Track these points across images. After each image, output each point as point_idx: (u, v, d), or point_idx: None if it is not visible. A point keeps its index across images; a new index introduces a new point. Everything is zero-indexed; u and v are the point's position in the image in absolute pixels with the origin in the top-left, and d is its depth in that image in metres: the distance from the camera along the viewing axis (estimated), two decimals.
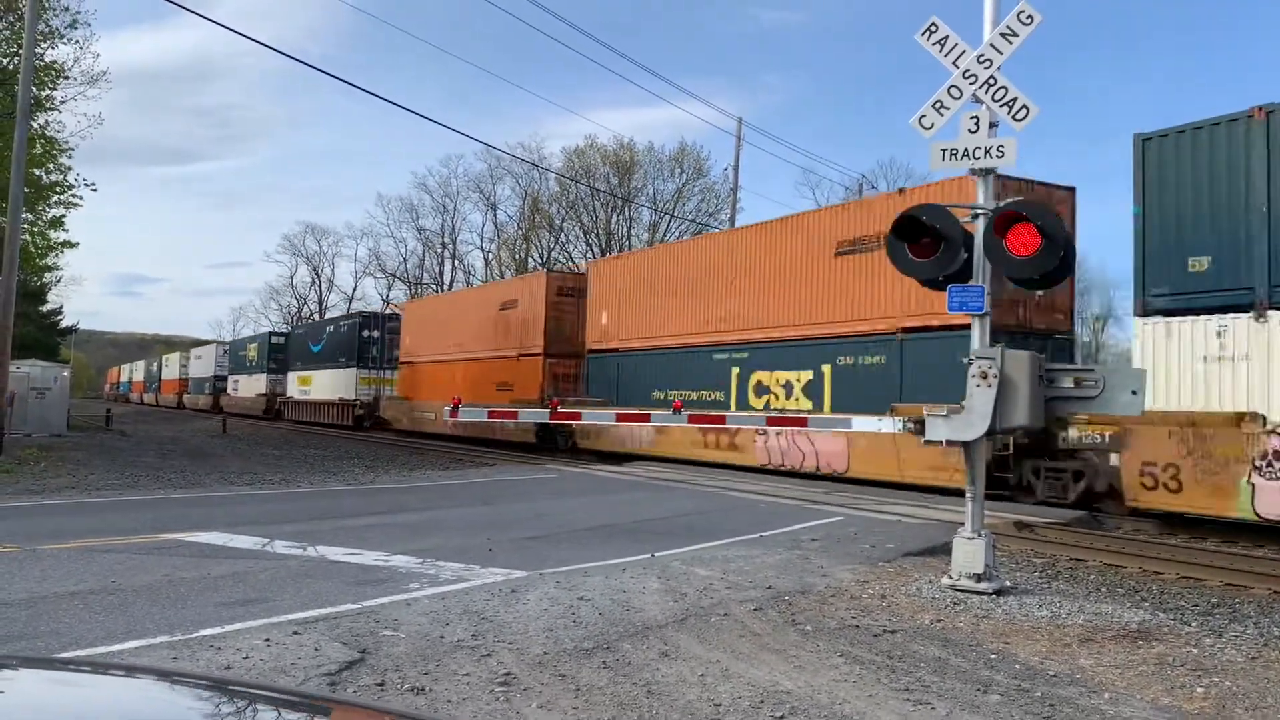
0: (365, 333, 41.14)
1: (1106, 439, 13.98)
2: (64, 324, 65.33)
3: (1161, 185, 13.30)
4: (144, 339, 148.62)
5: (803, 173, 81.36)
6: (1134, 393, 7.87)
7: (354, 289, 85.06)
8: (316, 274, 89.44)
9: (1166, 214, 13.24)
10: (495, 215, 70.96)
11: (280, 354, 54.32)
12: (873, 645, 6.41)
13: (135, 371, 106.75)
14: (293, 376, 50.21)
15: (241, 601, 7.03)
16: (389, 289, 78.90)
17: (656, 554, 9.79)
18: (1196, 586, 9.43)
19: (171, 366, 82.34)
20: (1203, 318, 12.77)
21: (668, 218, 59.98)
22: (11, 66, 25.05)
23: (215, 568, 8.31)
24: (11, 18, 25.77)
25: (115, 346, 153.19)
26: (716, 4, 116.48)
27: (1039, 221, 7.76)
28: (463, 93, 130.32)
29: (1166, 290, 13.21)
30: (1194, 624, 7.47)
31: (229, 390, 63.07)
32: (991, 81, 8.29)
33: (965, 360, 8.11)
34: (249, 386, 57.99)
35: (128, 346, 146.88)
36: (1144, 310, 13.39)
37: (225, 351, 67.84)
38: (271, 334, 60.29)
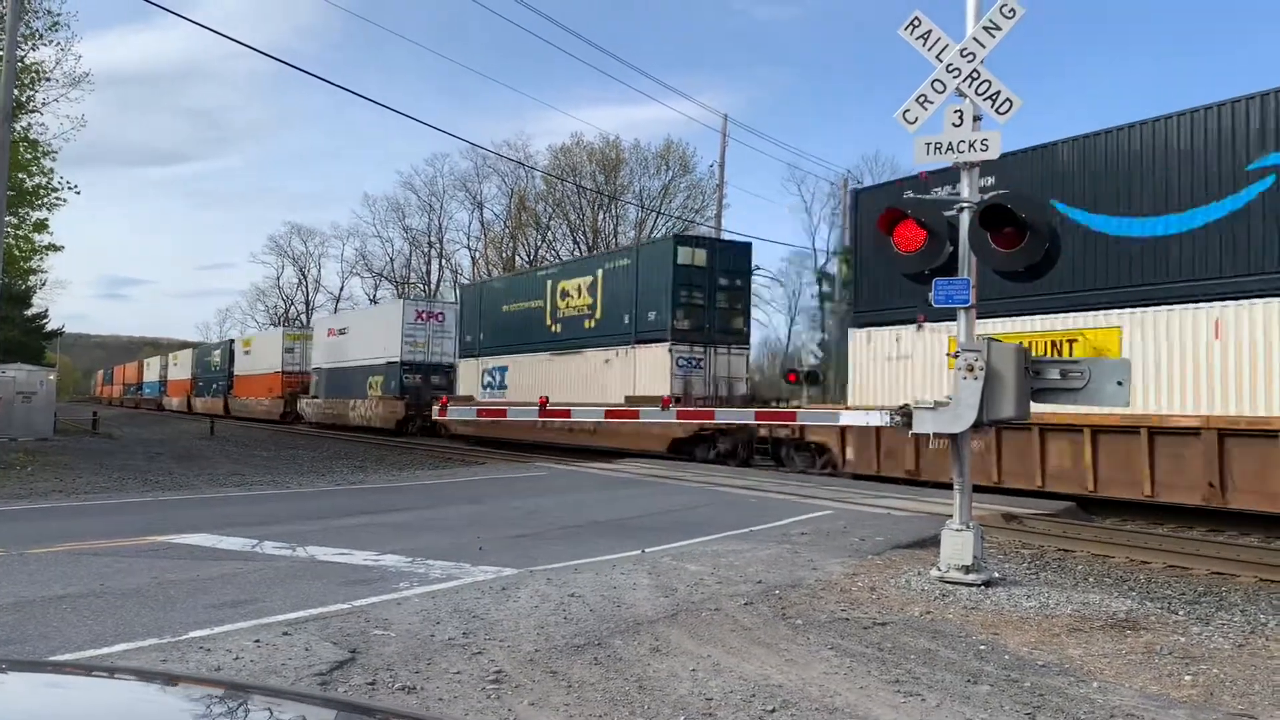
0: None
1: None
2: (50, 327, 62.10)
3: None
4: (130, 341, 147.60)
5: (788, 168, 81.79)
6: (1119, 383, 7.92)
7: (340, 289, 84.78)
8: (303, 275, 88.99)
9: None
10: (482, 214, 70.89)
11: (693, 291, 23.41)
12: (863, 638, 6.43)
13: (173, 366, 75.61)
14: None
15: (231, 603, 7.01)
16: (375, 289, 78.66)
17: (646, 550, 9.79)
18: (1184, 575, 9.49)
19: (263, 353, 52.78)
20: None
21: (654, 214, 60.02)
22: None
23: (204, 569, 8.28)
24: None
25: (102, 349, 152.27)
26: (707, 1, 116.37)
27: (1024, 214, 7.80)
28: (448, 91, 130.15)
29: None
30: (1181, 612, 7.52)
31: (478, 386, 31.61)
32: (975, 75, 8.32)
33: (951, 353, 8.15)
34: (594, 375, 25.94)
35: (114, 349, 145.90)
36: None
37: (428, 314, 37.17)
38: (681, 240, 25.57)
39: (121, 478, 17.62)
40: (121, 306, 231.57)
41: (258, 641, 5.84)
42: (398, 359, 36.28)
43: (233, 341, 62.22)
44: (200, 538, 10.10)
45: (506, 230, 68.15)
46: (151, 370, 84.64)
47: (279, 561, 8.80)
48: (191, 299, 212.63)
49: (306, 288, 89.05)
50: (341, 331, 43.12)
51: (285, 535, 10.35)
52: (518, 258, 65.11)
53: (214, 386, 62.29)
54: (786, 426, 19.80)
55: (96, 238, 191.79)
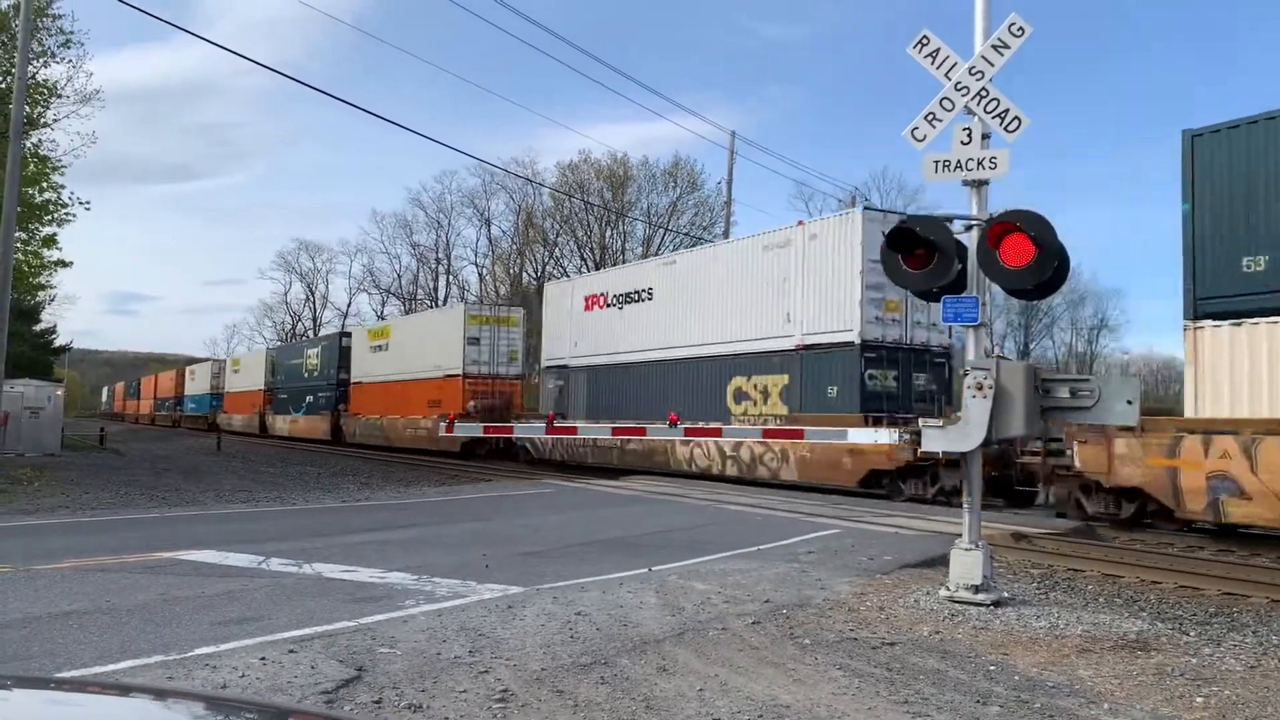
0: None
1: None
2: (58, 343, 62.25)
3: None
4: (138, 357, 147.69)
5: (796, 185, 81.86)
6: (1129, 402, 7.88)
7: (348, 305, 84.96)
8: (311, 291, 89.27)
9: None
10: (489, 230, 71.21)
11: None
12: (871, 658, 6.39)
13: (234, 374, 60.13)
14: None
15: (237, 620, 6.99)
16: (383, 305, 78.90)
17: (653, 568, 9.76)
18: (1194, 596, 9.42)
19: (417, 347, 35.44)
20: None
21: (662, 231, 60.13)
22: (4, 85, 25.06)
23: (210, 586, 8.27)
24: (4, 37, 25.77)
25: (109, 365, 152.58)
26: (716, 19, 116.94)
27: (1032, 232, 7.78)
28: (457, 108, 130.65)
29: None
30: (1192, 633, 7.46)
31: None
32: (983, 93, 8.32)
33: (961, 371, 8.12)
34: None
35: (121, 365, 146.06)
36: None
37: None
38: None
39: (128, 493, 17.63)
40: (129, 322, 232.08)
41: (263, 659, 5.82)
42: (853, 337, 19.45)
43: (346, 334, 45.66)
44: (206, 554, 10.09)
45: (514, 247, 68.41)
46: (198, 379, 68.39)
47: (285, 578, 8.78)
48: (199, 315, 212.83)
49: (314, 304, 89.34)
50: (632, 297, 25.70)
51: (291, 552, 10.33)
52: (525, 274, 65.30)
53: (311, 400, 44.92)
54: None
55: (105, 254, 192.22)
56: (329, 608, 7.47)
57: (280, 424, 49.31)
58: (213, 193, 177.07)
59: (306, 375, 46.67)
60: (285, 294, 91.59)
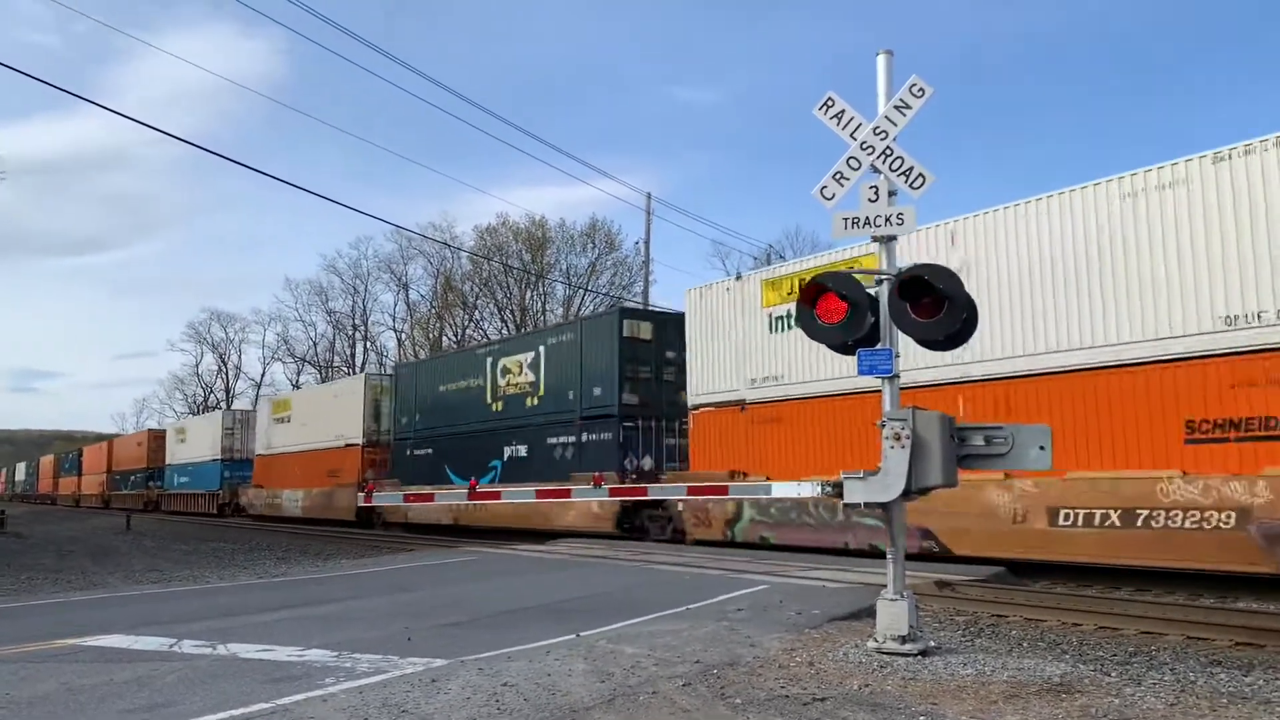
0: None
1: None
2: None
3: None
4: (42, 435, 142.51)
5: (713, 244, 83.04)
6: (1041, 448, 8.06)
7: (262, 375, 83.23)
8: (223, 361, 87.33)
9: None
10: (407, 295, 70.74)
11: None
12: (802, 714, 6.35)
13: (281, 423, 38.25)
14: None
15: (146, 708, 6.68)
16: (299, 374, 77.54)
17: (582, 634, 9.60)
18: (1114, 636, 9.60)
19: None
20: None
21: (582, 292, 60.37)
22: None
23: (118, 673, 7.89)
24: None
25: (10, 444, 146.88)
26: (632, 84, 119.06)
27: (941, 285, 7.97)
28: (372, 175, 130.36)
29: None
30: (1114, 674, 7.58)
31: None
32: (888, 152, 8.57)
33: (879, 423, 8.24)
34: None
35: (24, 444, 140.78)
36: None
37: None
38: None
39: (31, 578, 16.87)
40: (33, 400, 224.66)
41: None
42: None
43: (652, 313, 27.24)
44: (114, 639, 9.66)
45: (433, 311, 67.94)
46: (193, 441, 47.48)
47: (198, 661, 8.44)
48: (109, 390, 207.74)
49: (226, 375, 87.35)
50: None
51: (205, 632, 9.94)
52: (445, 338, 64.82)
53: (520, 454, 25.29)
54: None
55: (6, 330, 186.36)
56: (245, 689, 7.19)
57: (421, 505, 27.16)
58: (124, 264, 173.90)
59: (496, 409, 26.40)
60: (197, 365, 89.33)
